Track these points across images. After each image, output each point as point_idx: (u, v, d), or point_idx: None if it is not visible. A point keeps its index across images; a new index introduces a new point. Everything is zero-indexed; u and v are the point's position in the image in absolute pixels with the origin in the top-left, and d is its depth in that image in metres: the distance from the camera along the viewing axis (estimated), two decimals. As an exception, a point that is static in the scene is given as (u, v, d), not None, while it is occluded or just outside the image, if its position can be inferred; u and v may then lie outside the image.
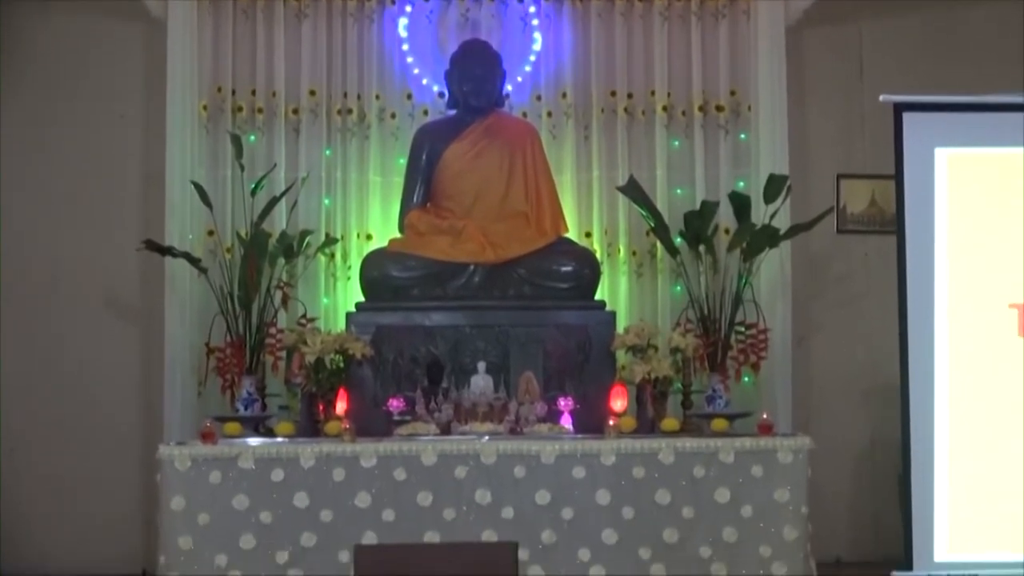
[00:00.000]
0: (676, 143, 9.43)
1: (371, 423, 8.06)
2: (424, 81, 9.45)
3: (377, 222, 9.32)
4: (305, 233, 8.98)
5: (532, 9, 9.48)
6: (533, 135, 9.18)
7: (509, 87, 9.33)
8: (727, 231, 9.13)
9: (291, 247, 8.84)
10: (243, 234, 8.86)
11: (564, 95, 9.43)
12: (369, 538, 7.49)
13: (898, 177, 5.08)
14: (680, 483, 7.69)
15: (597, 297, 8.89)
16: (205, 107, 9.22)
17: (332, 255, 9.22)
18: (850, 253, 9.60)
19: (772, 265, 9.08)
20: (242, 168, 8.89)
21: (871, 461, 9.41)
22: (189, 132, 9.12)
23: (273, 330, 8.71)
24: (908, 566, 4.98)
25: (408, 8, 9.46)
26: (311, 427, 8.18)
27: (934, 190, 5.06)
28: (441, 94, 9.34)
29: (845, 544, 9.24)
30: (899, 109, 5.13)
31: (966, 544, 5.05)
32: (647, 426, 8.18)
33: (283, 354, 8.63)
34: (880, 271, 9.14)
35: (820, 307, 9.60)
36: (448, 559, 5.03)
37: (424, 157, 9.09)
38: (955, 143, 5.11)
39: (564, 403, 8.14)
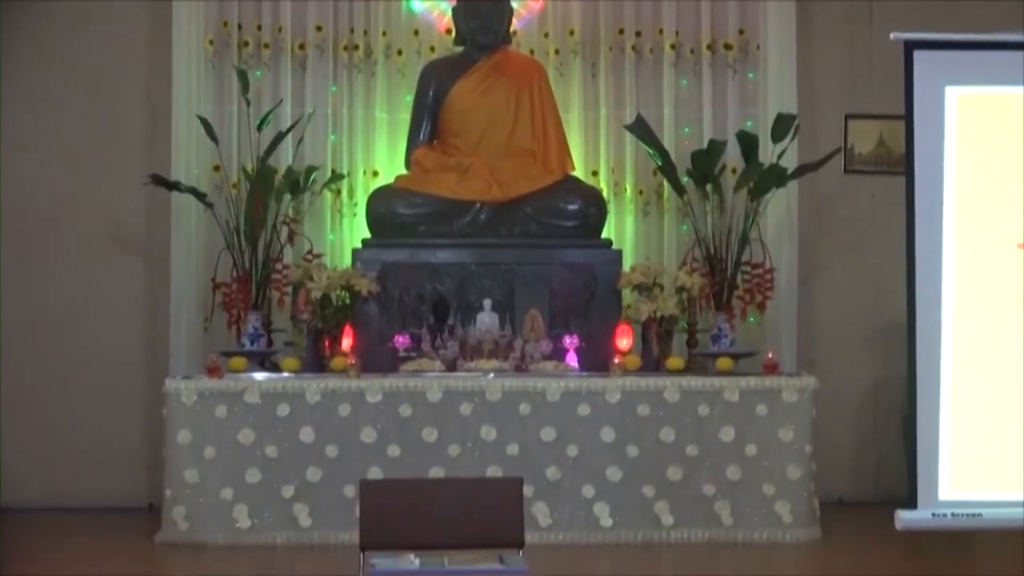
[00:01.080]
0: (684, 82, 9.38)
1: (377, 359, 8.09)
2: (431, 17, 9.42)
3: (383, 159, 9.29)
4: (311, 169, 8.95)
5: (540, -55, 9.43)
6: (540, 72, 9.13)
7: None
8: (734, 170, 9.11)
9: (297, 183, 8.83)
10: (249, 169, 8.84)
11: (572, 32, 9.37)
12: (374, 473, 7.54)
13: (908, 115, 5.03)
14: (685, 421, 7.74)
15: (603, 236, 8.88)
16: (211, 42, 9.17)
17: (338, 191, 9.19)
18: (857, 193, 9.56)
19: (779, 205, 9.06)
20: (248, 103, 8.87)
21: (874, 402, 9.42)
22: (195, 67, 9.09)
23: (279, 266, 8.71)
24: (912, 504, 4.98)
25: (415, -57, 9.42)
26: (317, 363, 8.21)
27: (943, 129, 5.02)
28: (448, 31, 9.29)
29: (848, 484, 9.27)
30: (909, 47, 5.08)
31: (970, 483, 5.04)
32: (652, 364, 8.21)
33: (289, 290, 8.64)
34: (887, 212, 9.11)
35: (826, 247, 9.57)
36: (453, 494, 5.04)
37: (431, 94, 9.05)
38: (966, 81, 5.06)
39: (569, 341, 8.16)
